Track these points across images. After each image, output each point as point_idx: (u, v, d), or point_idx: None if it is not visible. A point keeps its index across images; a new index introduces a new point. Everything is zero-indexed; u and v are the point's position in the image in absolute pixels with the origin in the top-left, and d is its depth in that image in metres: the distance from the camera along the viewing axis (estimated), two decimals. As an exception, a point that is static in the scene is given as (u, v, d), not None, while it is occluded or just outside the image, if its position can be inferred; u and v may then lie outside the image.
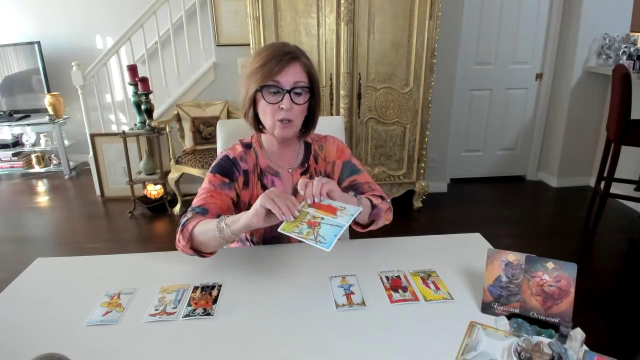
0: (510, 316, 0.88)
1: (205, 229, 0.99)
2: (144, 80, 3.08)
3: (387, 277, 1.04)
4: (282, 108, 1.06)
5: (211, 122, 3.23)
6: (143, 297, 0.97)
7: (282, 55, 1.06)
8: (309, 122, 1.17)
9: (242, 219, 0.93)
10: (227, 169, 1.16)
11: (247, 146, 1.20)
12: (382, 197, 1.16)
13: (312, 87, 1.12)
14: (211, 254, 1.06)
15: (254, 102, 1.11)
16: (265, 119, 1.10)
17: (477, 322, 0.87)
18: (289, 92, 1.06)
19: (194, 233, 1.00)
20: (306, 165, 1.22)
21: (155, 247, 2.78)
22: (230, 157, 1.17)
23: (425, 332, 0.85)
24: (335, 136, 1.30)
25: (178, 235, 1.03)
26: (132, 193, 3.24)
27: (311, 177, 1.19)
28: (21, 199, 3.70)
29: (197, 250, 1.03)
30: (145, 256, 1.18)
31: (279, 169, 1.20)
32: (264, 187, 1.18)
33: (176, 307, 0.94)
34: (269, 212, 0.89)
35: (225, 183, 1.14)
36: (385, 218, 1.16)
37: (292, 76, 1.06)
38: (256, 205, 0.90)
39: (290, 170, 1.21)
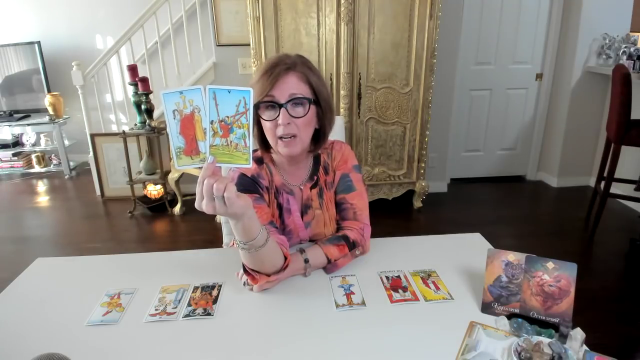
0: (510, 316, 0.88)
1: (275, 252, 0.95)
2: (144, 80, 3.08)
3: (387, 277, 1.04)
4: (279, 124, 0.99)
5: (211, 122, 3.22)
6: (143, 297, 0.97)
7: (274, 67, 0.99)
8: (319, 135, 1.09)
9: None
10: (249, 185, 1.08)
11: (259, 161, 1.13)
12: (353, 242, 1.10)
13: (317, 97, 1.04)
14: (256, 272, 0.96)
15: (258, 122, 1.04)
16: (269, 137, 1.03)
17: (477, 322, 0.87)
18: (283, 105, 0.98)
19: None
20: (315, 177, 1.16)
21: (155, 247, 2.78)
22: (249, 175, 1.10)
23: (425, 332, 0.86)
24: (342, 142, 1.24)
25: None
26: (132, 193, 3.24)
27: (321, 190, 1.17)
28: (21, 199, 3.70)
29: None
30: (145, 256, 1.19)
31: (292, 187, 1.15)
32: (280, 206, 1.14)
33: (176, 307, 0.94)
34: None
35: (256, 199, 1.07)
36: (354, 255, 1.11)
37: (287, 89, 0.98)
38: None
39: (302, 188, 1.16)
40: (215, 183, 0.74)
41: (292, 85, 0.99)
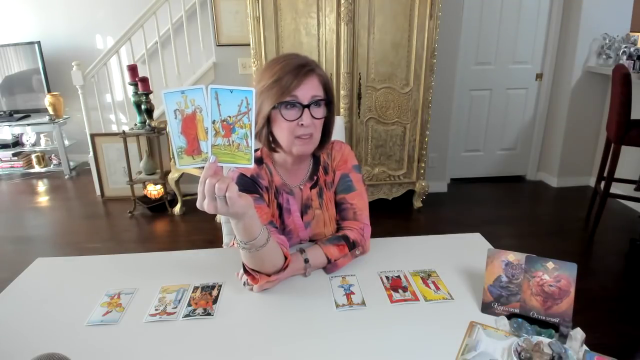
0: (510, 316, 0.88)
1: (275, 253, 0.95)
2: (144, 80, 3.08)
3: (387, 277, 1.04)
4: (302, 124, 0.99)
5: (211, 122, 3.23)
6: (143, 297, 0.97)
7: (298, 68, 0.99)
8: (324, 136, 1.10)
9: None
10: (249, 185, 1.08)
11: (259, 161, 1.13)
12: (353, 242, 1.10)
13: (329, 99, 1.06)
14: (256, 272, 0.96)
15: (268, 121, 1.03)
16: (282, 136, 1.03)
17: (477, 322, 0.87)
18: (307, 107, 0.99)
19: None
20: (315, 177, 1.17)
21: (155, 247, 2.78)
22: (248, 175, 1.09)
23: (425, 332, 0.86)
24: (342, 142, 1.25)
25: None
26: (132, 193, 3.24)
27: (320, 190, 1.17)
28: (21, 199, 3.70)
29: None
30: (145, 256, 1.19)
31: (292, 187, 1.15)
32: (280, 206, 1.14)
33: (176, 307, 0.94)
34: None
35: (256, 199, 1.06)
36: (354, 255, 1.12)
37: (309, 90, 1.00)
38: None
39: (302, 188, 1.16)
40: (217, 183, 0.74)
41: (313, 87, 1.01)
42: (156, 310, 0.93)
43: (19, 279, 1.07)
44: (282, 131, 1.02)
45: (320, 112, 1.02)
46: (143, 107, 3.14)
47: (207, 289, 1.00)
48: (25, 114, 4.17)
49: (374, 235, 1.17)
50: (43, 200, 3.69)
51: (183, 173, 3.17)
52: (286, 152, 1.07)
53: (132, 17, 3.34)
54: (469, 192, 3.62)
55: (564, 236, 2.83)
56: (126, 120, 3.77)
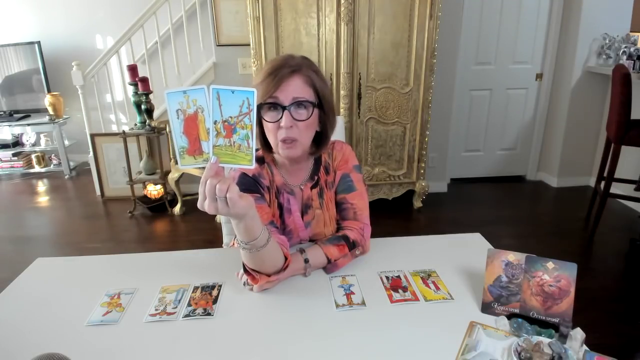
0: (510, 316, 0.88)
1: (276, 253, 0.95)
2: (144, 80, 3.08)
3: (387, 277, 1.04)
4: (282, 126, 0.98)
5: (211, 122, 3.22)
6: (143, 297, 0.97)
7: (280, 69, 0.98)
8: (322, 137, 1.09)
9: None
10: (251, 184, 1.09)
11: (260, 161, 1.13)
12: (353, 242, 1.10)
13: (320, 101, 1.04)
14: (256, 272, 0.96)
15: (259, 122, 1.03)
16: (270, 138, 1.03)
17: (477, 322, 0.87)
18: (287, 108, 0.98)
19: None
20: (316, 177, 1.16)
21: (155, 247, 2.78)
22: (250, 175, 1.10)
23: (425, 332, 0.86)
24: (343, 142, 1.24)
25: None
26: (132, 193, 3.24)
27: (321, 190, 1.17)
28: (21, 199, 3.70)
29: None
30: (145, 256, 1.19)
31: (293, 187, 1.15)
32: (280, 206, 1.15)
33: (176, 307, 0.94)
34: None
35: (257, 199, 1.06)
36: (354, 255, 1.12)
37: (291, 91, 0.98)
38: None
39: (302, 188, 1.16)
40: (217, 184, 0.74)
41: (296, 88, 0.99)
42: (156, 310, 0.93)
43: (19, 279, 1.07)
44: (268, 133, 1.03)
45: (302, 114, 1.00)
46: (143, 107, 3.14)
47: (207, 289, 1.00)
48: (25, 114, 4.17)
49: (374, 235, 1.17)
50: (43, 200, 3.69)
51: (183, 173, 3.17)
52: (276, 153, 1.08)
53: (132, 17, 3.34)
54: (469, 192, 3.62)
55: (564, 236, 2.83)
56: (126, 120, 3.77)
